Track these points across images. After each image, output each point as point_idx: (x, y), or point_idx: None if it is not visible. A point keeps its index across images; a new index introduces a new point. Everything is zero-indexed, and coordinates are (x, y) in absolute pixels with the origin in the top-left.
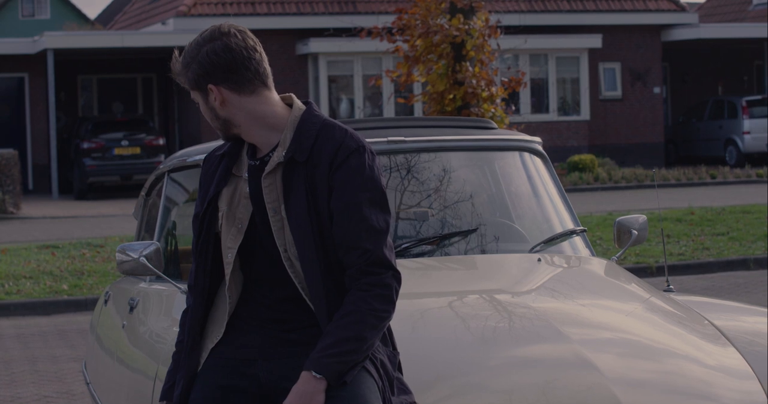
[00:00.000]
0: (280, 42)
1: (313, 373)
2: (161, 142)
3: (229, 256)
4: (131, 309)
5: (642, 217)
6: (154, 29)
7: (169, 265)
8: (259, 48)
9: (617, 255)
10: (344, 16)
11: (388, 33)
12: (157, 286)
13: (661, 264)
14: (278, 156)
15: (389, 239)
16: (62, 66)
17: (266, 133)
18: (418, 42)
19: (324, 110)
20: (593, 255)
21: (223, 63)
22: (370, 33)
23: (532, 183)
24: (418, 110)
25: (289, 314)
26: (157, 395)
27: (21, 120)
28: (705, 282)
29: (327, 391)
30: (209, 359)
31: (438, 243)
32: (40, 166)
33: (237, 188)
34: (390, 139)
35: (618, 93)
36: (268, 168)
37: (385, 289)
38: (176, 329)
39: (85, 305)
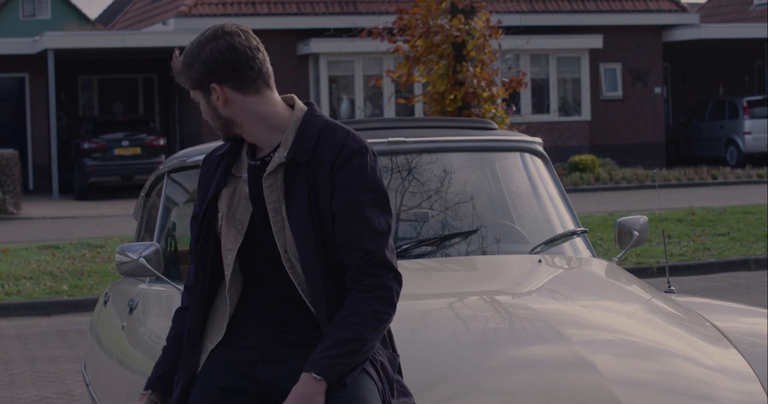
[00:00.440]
0: (281, 42)
1: (313, 375)
2: (162, 142)
3: (229, 258)
4: (131, 310)
5: (643, 218)
6: (154, 29)
7: (169, 266)
8: (262, 48)
9: (618, 257)
10: (345, 16)
11: (389, 33)
12: (157, 287)
13: (661, 265)
14: (280, 156)
15: (391, 241)
16: (63, 66)
17: (268, 133)
18: (419, 42)
19: (325, 110)
20: (594, 256)
21: (227, 62)
22: (370, 33)
23: (533, 184)
24: (418, 110)
25: (289, 315)
26: None
27: (21, 120)
28: (706, 283)
29: (327, 393)
30: (209, 361)
31: (438, 244)
32: (41, 166)
33: (237, 189)
34: (390, 139)
35: (619, 93)
36: (269, 168)
37: (385, 291)
38: None
39: (85, 305)
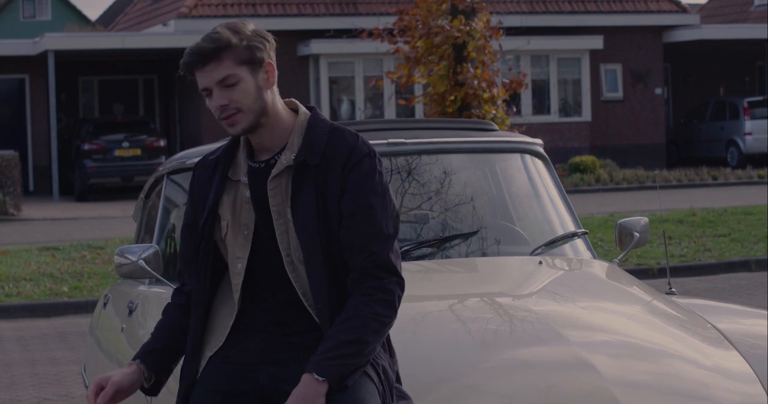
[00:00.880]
0: (281, 43)
1: (315, 376)
2: (162, 143)
3: (239, 266)
4: (130, 312)
5: (644, 219)
6: (155, 30)
7: (168, 268)
8: None
9: (619, 258)
10: (345, 17)
11: (389, 34)
12: (156, 289)
13: (662, 266)
14: (287, 159)
15: (396, 245)
16: (63, 67)
17: (275, 134)
18: (419, 43)
19: (325, 111)
20: (594, 257)
21: (271, 44)
22: (371, 34)
23: (534, 185)
24: (419, 111)
25: (290, 317)
26: (155, 398)
27: (22, 121)
28: (706, 284)
29: (327, 395)
30: (208, 365)
31: (439, 245)
32: (41, 167)
33: (237, 193)
34: (390, 140)
35: (619, 94)
36: (275, 171)
37: (387, 294)
38: None
39: (86, 307)
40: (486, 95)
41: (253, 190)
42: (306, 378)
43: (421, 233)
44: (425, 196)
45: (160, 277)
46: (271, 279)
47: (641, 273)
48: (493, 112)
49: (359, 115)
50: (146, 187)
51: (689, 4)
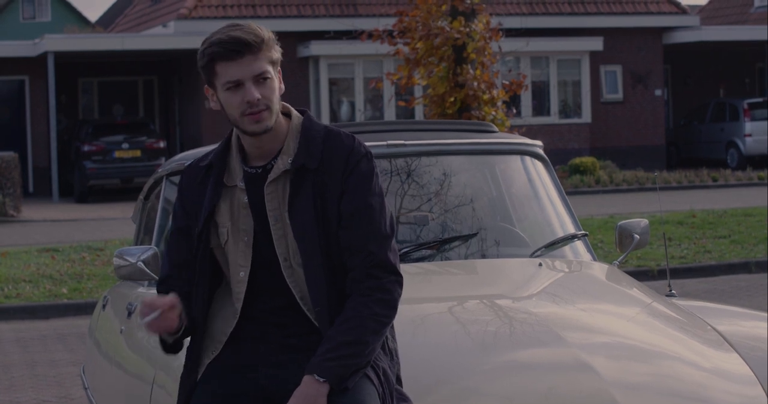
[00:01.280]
0: (281, 44)
1: (316, 377)
2: (162, 144)
3: (241, 274)
4: (129, 314)
5: (644, 221)
6: (154, 32)
7: None
8: None
9: (619, 260)
10: (345, 18)
11: (389, 35)
12: (155, 291)
13: (662, 268)
14: (284, 163)
15: (394, 244)
16: (63, 69)
17: (274, 137)
18: (419, 44)
19: (325, 113)
20: (595, 259)
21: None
22: (370, 35)
23: (533, 187)
24: (419, 113)
25: (289, 319)
26: (155, 400)
27: (21, 122)
28: (707, 286)
29: (328, 397)
30: (209, 368)
31: (438, 247)
32: (41, 168)
33: (234, 199)
34: (390, 142)
35: (619, 95)
36: (272, 175)
37: (386, 294)
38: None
39: (85, 309)
40: (486, 97)
41: (250, 196)
42: (307, 379)
43: (421, 235)
44: (425, 197)
45: None
46: (269, 284)
47: (641, 275)
48: (493, 113)
49: (359, 117)
50: (145, 188)
51: (689, 6)
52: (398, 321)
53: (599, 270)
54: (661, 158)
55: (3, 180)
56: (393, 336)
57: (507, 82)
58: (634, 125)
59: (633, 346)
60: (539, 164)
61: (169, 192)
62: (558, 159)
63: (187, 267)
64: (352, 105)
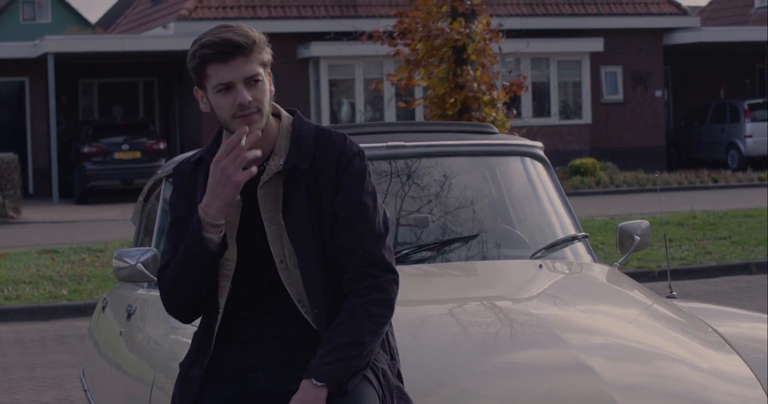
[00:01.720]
0: (281, 46)
1: (314, 381)
2: (162, 146)
3: (227, 269)
4: (129, 315)
5: (644, 223)
6: (155, 33)
7: None
8: None
9: (619, 262)
10: (345, 19)
11: (389, 36)
12: (155, 293)
13: (663, 269)
14: (276, 164)
15: (389, 242)
16: (63, 70)
17: (265, 139)
18: (419, 46)
19: (325, 114)
20: (595, 261)
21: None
22: (371, 36)
23: (534, 188)
24: (419, 114)
25: (288, 321)
26: (154, 401)
27: (21, 124)
28: (707, 287)
29: (327, 399)
30: (208, 370)
31: (438, 249)
32: (41, 169)
33: None
34: (390, 143)
35: (620, 96)
36: (264, 177)
37: (382, 293)
38: (173, 337)
39: (85, 310)
40: (486, 98)
41: (243, 198)
42: (305, 383)
43: (421, 236)
44: (425, 199)
45: None
46: (267, 286)
47: (642, 276)
48: (493, 114)
49: (359, 118)
50: (145, 189)
51: (689, 7)
52: (398, 323)
53: (600, 271)
54: (661, 159)
55: (3, 181)
56: (392, 334)
57: (507, 83)
58: (635, 126)
59: (633, 348)
60: (539, 165)
61: (168, 193)
62: (558, 160)
63: None
64: (353, 106)
